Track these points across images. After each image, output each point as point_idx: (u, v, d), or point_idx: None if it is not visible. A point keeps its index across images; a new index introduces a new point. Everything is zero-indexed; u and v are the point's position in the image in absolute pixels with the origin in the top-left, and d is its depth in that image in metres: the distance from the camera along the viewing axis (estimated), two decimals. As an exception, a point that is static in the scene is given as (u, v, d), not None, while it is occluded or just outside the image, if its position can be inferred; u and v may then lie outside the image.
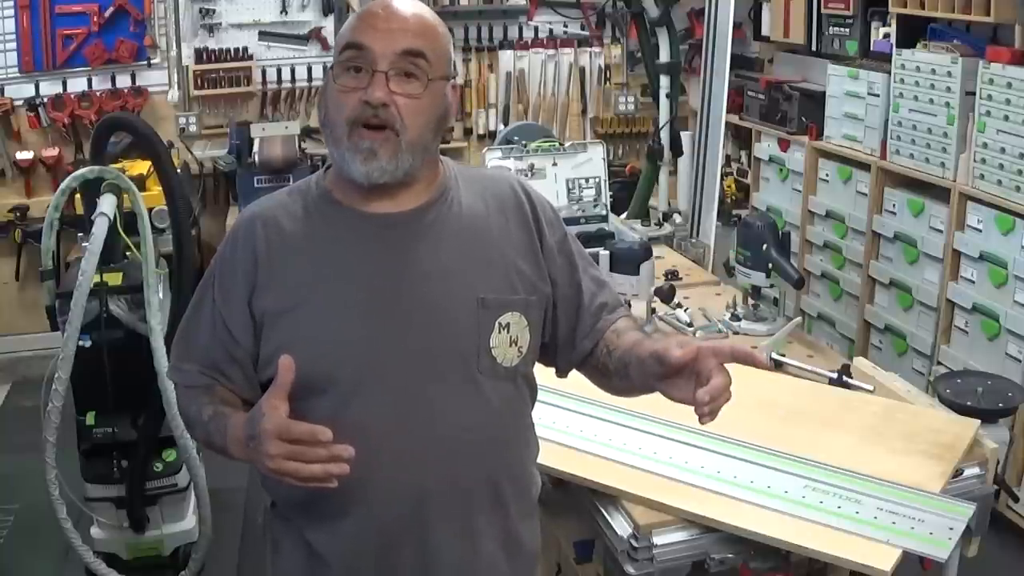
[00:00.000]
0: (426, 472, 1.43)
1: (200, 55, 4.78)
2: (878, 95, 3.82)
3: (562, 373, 1.65)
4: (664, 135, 3.78)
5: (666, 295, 2.67)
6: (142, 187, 3.39)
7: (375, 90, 1.37)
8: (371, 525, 1.44)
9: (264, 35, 4.85)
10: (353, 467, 1.35)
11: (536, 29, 5.17)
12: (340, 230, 1.45)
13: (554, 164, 3.30)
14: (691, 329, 2.60)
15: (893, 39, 3.76)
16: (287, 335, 1.42)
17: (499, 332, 1.46)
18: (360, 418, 1.40)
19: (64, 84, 4.63)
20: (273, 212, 1.48)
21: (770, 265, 2.59)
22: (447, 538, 1.46)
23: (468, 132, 5.20)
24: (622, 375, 1.53)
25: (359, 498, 1.42)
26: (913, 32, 3.69)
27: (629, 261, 2.58)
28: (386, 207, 1.45)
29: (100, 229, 2.70)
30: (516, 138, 3.44)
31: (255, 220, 1.48)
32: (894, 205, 3.79)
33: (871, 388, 2.23)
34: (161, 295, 2.85)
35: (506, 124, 4.82)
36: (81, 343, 2.71)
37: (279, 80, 4.90)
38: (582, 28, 5.10)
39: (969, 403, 2.11)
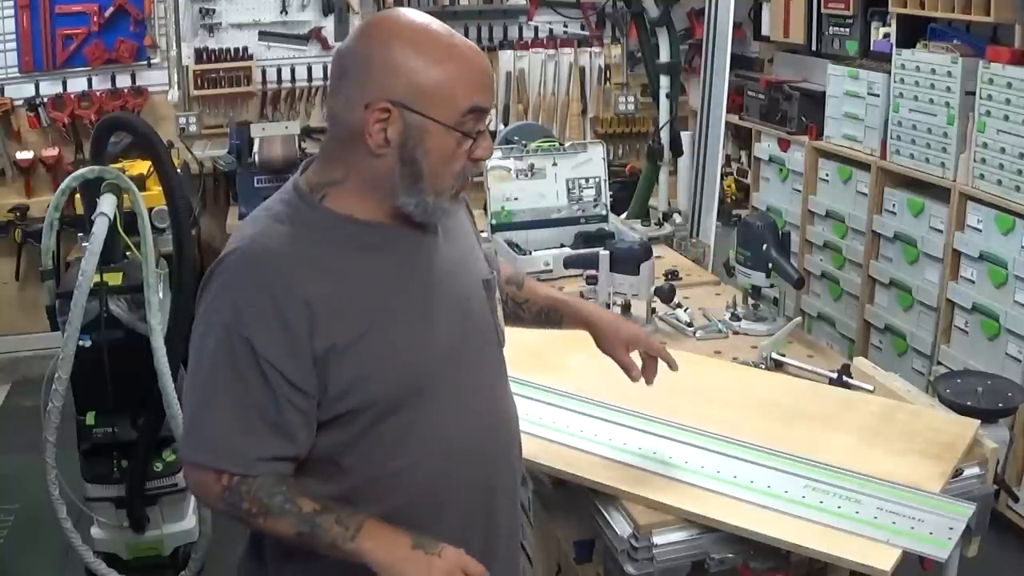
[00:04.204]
0: (492, 453, 1.53)
1: (200, 55, 4.78)
2: (878, 95, 3.82)
3: None
4: (664, 135, 3.78)
5: (666, 295, 2.67)
6: (142, 187, 3.39)
7: (490, 145, 1.45)
8: (451, 517, 1.47)
9: (264, 35, 4.85)
10: (436, 470, 1.45)
11: (536, 29, 5.17)
12: (376, 250, 1.43)
13: (554, 164, 3.30)
14: (691, 329, 2.60)
15: (893, 39, 3.76)
16: (362, 365, 1.37)
17: (499, 306, 1.61)
18: (435, 422, 1.44)
19: (64, 84, 4.63)
20: (293, 247, 1.38)
21: (770, 265, 2.59)
22: (506, 513, 1.57)
23: (468, 132, 5.19)
24: (544, 322, 1.85)
25: (443, 498, 1.46)
26: (913, 32, 3.69)
27: (629, 261, 2.58)
28: (397, 222, 1.45)
29: (100, 229, 2.70)
30: (516, 138, 3.44)
31: (281, 261, 1.36)
32: (894, 205, 3.79)
33: (871, 388, 2.23)
34: (161, 295, 2.85)
35: (506, 124, 4.82)
36: (81, 343, 2.71)
37: (279, 80, 4.90)
38: (582, 28, 5.10)
39: (969, 403, 2.11)
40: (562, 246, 3.18)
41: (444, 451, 1.45)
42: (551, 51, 5.19)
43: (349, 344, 1.36)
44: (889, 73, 3.76)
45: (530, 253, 3.06)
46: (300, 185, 1.45)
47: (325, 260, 1.39)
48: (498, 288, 1.71)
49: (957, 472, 1.88)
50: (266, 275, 1.36)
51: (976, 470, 1.91)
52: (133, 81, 4.72)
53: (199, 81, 4.77)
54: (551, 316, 1.84)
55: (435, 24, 1.41)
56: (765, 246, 2.59)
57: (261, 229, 1.41)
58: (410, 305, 1.44)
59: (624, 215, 3.80)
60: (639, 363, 1.78)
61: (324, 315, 1.35)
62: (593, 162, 3.34)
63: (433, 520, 1.44)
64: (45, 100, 4.59)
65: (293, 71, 4.91)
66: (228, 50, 4.81)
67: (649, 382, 1.78)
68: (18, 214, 4.60)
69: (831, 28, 4.19)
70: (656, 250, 2.84)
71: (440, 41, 1.38)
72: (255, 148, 4.46)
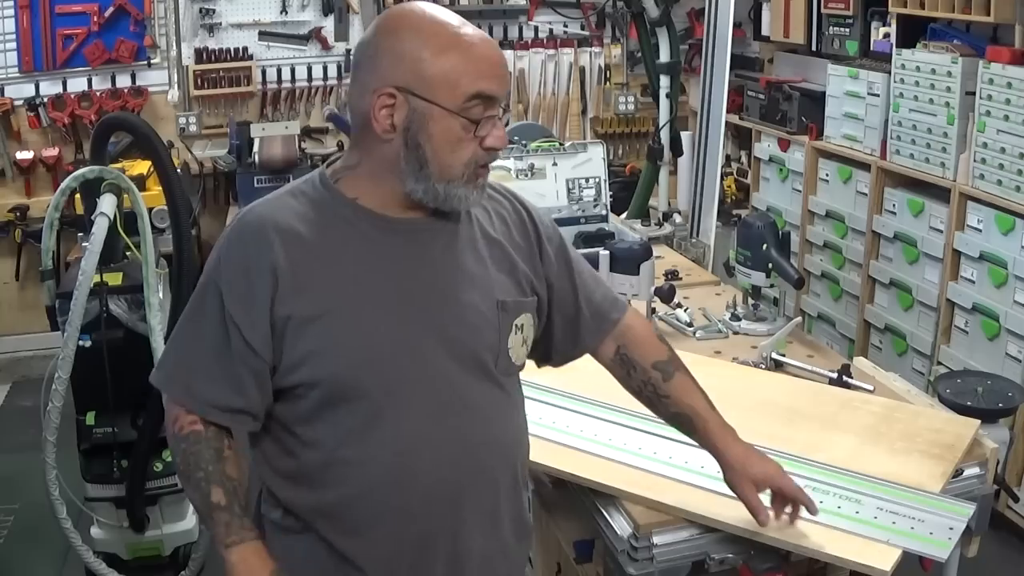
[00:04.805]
0: (462, 471, 1.47)
1: (200, 55, 4.78)
2: (878, 95, 3.82)
3: (555, 365, 1.74)
4: (664, 135, 3.78)
5: (666, 295, 2.67)
6: (142, 187, 3.39)
7: (504, 136, 1.43)
8: (407, 526, 1.45)
9: (264, 35, 4.85)
10: (390, 472, 1.42)
11: (536, 29, 5.17)
12: (367, 235, 1.45)
13: (554, 164, 3.30)
14: (691, 329, 2.60)
15: (893, 39, 3.76)
16: (317, 341, 1.40)
17: (515, 333, 1.53)
18: (395, 422, 1.42)
19: (64, 84, 4.63)
20: (285, 217, 1.43)
21: (770, 265, 2.59)
22: (478, 529, 1.51)
23: (468, 132, 5.20)
24: (676, 425, 1.73)
25: (395, 501, 1.44)
26: (913, 32, 3.69)
27: (629, 261, 2.58)
28: (410, 213, 1.46)
29: (100, 229, 2.70)
30: (516, 138, 3.44)
31: (265, 226, 1.42)
32: (894, 205, 3.79)
33: (871, 388, 2.23)
34: (161, 295, 2.85)
35: (506, 124, 4.82)
36: (81, 343, 2.71)
37: (279, 80, 4.91)
38: (582, 28, 5.10)
39: (969, 403, 2.11)
40: (562, 246, 3.18)
41: (401, 456, 1.42)
42: (551, 51, 5.19)
43: (308, 319, 1.40)
44: (889, 73, 3.75)
45: (530, 253, 3.06)
46: (324, 169, 1.51)
47: (311, 235, 1.42)
48: (637, 366, 1.70)
49: (957, 472, 1.88)
50: (249, 238, 1.42)
51: (976, 470, 1.91)
52: (133, 81, 4.73)
53: (199, 81, 4.77)
54: (683, 424, 1.71)
55: (446, 15, 1.43)
56: (765, 246, 2.59)
57: (272, 199, 1.49)
58: (383, 299, 1.43)
59: (624, 215, 3.80)
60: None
61: (288, 285, 1.40)
62: (593, 162, 3.34)
63: (383, 522, 1.44)
64: (45, 100, 4.60)
65: (293, 71, 4.91)
66: (228, 50, 4.81)
67: (791, 522, 1.66)
68: (18, 214, 4.60)
69: (831, 28, 4.18)
70: (656, 250, 2.84)
71: (447, 29, 1.40)
72: (255, 148, 4.46)
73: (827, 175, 4.18)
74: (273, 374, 1.43)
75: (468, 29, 1.42)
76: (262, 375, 1.42)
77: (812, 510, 1.63)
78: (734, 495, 1.75)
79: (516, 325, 1.52)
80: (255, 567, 1.41)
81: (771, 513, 1.64)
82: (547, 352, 1.69)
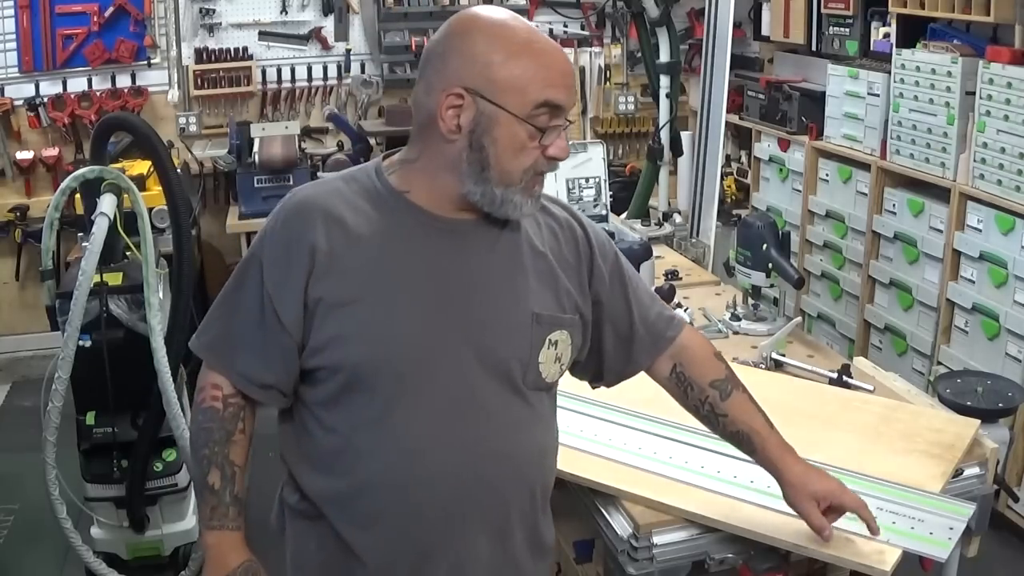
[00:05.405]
0: (469, 478, 1.45)
1: (200, 55, 4.78)
2: (878, 95, 3.82)
3: (608, 385, 1.72)
4: (664, 135, 3.78)
5: (666, 295, 2.67)
6: (142, 187, 3.39)
7: (566, 146, 1.44)
8: (411, 525, 1.45)
9: (264, 35, 4.85)
10: (398, 467, 1.42)
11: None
12: (408, 229, 1.45)
13: (554, 164, 3.30)
14: (691, 329, 2.60)
15: (893, 39, 3.76)
16: (344, 326, 1.42)
17: (548, 348, 1.51)
18: (409, 418, 1.43)
19: (64, 84, 4.63)
20: (333, 202, 1.45)
21: (770, 265, 2.59)
22: (483, 541, 1.49)
23: (468, 132, 5.19)
24: (735, 444, 1.69)
25: (401, 498, 1.44)
26: (913, 32, 3.69)
27: (629, 261, 2.57)
28: (459, 214, 1.46)
29: (100, 229, 2.70)
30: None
31: (312, 208, 1.44)
32: (894, 205, 3.79)
33: (871, 388, 2.23)
34: (161, 295, 2.85)
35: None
36: (81, 343, 2.71)
37: (279, 80, 4.91)
38: (582, 28, 5.10)
39: (969, 403, 2.11)
40: (562, 246, 3.18)
41: (409, 453, 1.42)
42: (551, 51, 5.18)
43: (338, 303, 1.42)
44: (889, 73, 3.75)
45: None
46: (381, 160, 1.52)
47: (354, 222, 1.44)
48: (694, 386, 1.66)
49: (957, 472, 1.88)
50: (294, 217, 1.45)
51: (976, 470, 1.91)
52: (133, 81, 4.72)
53: (199, 81, 4.77)
54: (742, 443, 1.67)
55: (515, 20, 1.45)
56: (765, 246, 2.59)
57: (324, 183, 1.52)
58: (414, 294, 1.43)
59: (624, 215, 3.80)
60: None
61: (324, 268, 1.42)
62: (593, 162, 3.34)
63: (387, 518, 1.44)
64: (45, 100, 4.59)
65: (293, 71, 4.91)
66: (228, 50, 4.81)
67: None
68: (18, 214, 4.60)
69: (831, 28, 4.19)
70: (656, 250, 2.84)
71: (518, 35, 1.42)
72: (255, 148, 4.45)
73: (827, 175, 4.18)
74: (300, 354, 1.45)
75: (539, 37, 1.44)
76: (291, 353, 1.44)
77: (874, 531, 1.60)
78: (734, 495, 1.75)
79: (550, 340, 1.50)
80: (226, 554, 1.46)
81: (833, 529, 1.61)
82: (599, 371, 1.68)
